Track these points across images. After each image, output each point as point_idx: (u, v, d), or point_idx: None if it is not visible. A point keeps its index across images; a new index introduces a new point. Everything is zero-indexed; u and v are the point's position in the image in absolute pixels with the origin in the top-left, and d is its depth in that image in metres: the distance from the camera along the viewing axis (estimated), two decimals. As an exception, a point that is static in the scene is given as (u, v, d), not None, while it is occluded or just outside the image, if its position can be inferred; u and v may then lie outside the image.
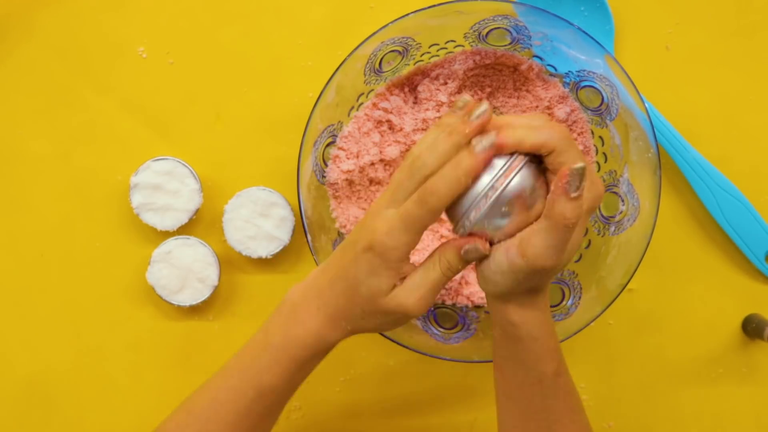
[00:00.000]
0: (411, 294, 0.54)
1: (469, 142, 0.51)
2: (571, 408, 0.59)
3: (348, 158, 0.71)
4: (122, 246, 0.76)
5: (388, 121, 0.72)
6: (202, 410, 0.60)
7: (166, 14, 0.75)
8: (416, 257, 0.73)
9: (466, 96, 0.53)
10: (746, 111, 0.77)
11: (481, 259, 0.54)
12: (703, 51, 0.76)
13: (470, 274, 0.73)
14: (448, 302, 0.73)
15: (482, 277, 0.55)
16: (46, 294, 0.77)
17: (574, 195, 0.50)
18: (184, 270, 0.74)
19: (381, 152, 0.72)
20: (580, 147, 0.72)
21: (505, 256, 0.53)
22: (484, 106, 0.51)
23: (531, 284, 0.54)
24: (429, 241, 0.74)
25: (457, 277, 0.72)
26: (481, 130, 0.52)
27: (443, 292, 0.73)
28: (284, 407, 0.61)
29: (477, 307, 0.74)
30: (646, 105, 0.69)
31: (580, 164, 0.50)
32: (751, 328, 0.76)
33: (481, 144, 0.51)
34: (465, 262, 0.54)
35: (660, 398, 0.78)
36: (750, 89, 0.76)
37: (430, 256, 0.55)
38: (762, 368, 0.78)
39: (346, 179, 0.71)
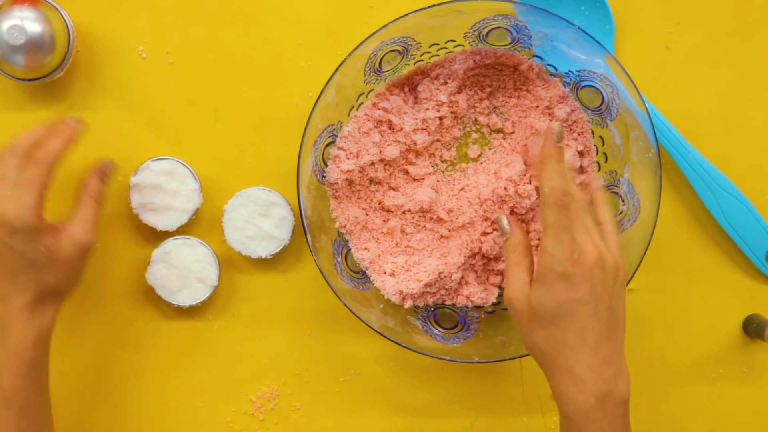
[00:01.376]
0: (84, 229, 0.67)
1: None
2: None
3: (348, 158, 0.71)
4: (122, 246, 0.76)
5: (388, 120, 0.72)
6: None
7: (166, 14, 0.75)
8: (416, 257, 0.73)
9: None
10: (746, 111, 0.77)
11: None
12: (703, 51, 0.76)
13: (469, 274, 0.73)
14: (448, 302, 0.73)
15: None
16: (46, 294, 0.77)
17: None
18: (184, 270, 0.74)
19: (381, 152, 0.72)
20: (581, 147, 0.72)
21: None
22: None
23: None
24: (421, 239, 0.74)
25: (457, 277, 0.72)
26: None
27: (443, 291, 0.73)
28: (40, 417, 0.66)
29: (477, 307, 0.74)
30: (647, 105, 0.69)
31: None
32: (751, 328, 0.76)
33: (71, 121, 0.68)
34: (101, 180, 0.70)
35: (660, 398, 0.78)
36: (750, 89, 0.76)
37: (80, 197, 0.69)
38: (762, 368, 0.78)
39: (346, 179, 0.71)
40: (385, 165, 0.73)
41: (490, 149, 0.74)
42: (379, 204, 0.74)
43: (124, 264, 0.77)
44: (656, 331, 0.77)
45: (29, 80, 0.72)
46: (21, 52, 0.70)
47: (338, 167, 0.71)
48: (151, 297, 0.76)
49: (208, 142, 0.76)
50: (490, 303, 0.73)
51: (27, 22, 0.70)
